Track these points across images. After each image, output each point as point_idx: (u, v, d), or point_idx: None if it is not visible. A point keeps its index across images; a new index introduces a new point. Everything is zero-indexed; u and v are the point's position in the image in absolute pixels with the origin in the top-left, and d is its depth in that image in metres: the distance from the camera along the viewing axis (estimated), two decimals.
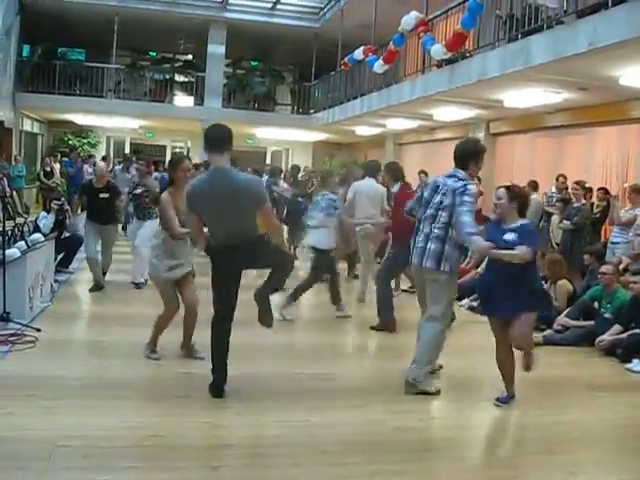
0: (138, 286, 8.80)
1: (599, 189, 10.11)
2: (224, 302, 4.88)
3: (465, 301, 9.01)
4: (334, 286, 8.06)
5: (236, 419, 4.49)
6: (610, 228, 9.41)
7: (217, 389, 4.84)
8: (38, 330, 6.21)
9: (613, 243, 8.98)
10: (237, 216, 4.73)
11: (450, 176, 5.25)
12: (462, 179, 5.14)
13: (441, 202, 5.13)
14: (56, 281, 8.63)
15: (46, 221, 8.91)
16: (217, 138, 4.81)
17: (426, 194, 5.35)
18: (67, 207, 9.47)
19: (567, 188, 10.87)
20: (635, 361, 6.34)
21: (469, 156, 5.30)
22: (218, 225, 4.83)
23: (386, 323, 7.45)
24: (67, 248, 9.48)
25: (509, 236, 4.88)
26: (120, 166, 15.73)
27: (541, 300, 5.20)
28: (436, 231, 5.15)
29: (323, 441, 4.17)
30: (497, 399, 5.11)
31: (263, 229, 5.00)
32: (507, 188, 5.11)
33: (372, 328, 7.49)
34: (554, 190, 11.30)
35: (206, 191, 4.75)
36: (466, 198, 4.99)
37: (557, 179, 11.39)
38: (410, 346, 6.49)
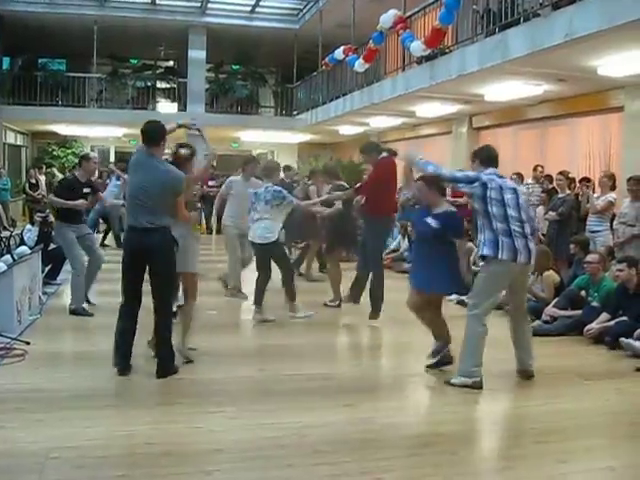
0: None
1: (582, 179, 10.16)
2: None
3: (454, 295, 9.03)
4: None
5: (228, 423, 4.49)
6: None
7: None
8: (27, 343, 6.18)
9: (592, 232, 9.05)
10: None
11: (502, 177, 5.58)
12: None
13: (518, 203, 5.40)
14: (44, 293, 8.59)
15: (30, 234, 8.88)
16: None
17: (509, 196, 5.36)
18: (52, 219, 9.41)
19: (546, 177, 10.97)
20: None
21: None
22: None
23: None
24: (54, 260, 9.44)
25: (431, 220, 5.62)
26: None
27: (456, 283, 5.77)
28: (528, 230, 5.41)
29: (315, 441, 4.18)
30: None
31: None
32: (421, 178, 5.79)
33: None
34: (531, 181, 11.38)
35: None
36: None
37: (535, 169, 11.48)
38: (398, 342, 6.56)
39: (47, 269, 9.27)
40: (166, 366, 5.27)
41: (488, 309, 5.41)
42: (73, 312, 7.70)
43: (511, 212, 5.30)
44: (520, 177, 11.40)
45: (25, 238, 8.78)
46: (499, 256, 5.23)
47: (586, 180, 9.99)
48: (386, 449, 4.10)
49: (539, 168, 11.44)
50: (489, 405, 5.12)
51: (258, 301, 7.64)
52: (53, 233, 9.27)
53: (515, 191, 5.44)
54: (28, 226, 9.53)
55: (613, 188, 9.14)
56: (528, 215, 5.59)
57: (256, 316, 7.57)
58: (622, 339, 6.41)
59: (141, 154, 5.41)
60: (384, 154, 7.65)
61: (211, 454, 3.98)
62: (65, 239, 7.79)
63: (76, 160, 22.33)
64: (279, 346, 6.67)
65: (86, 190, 7.92)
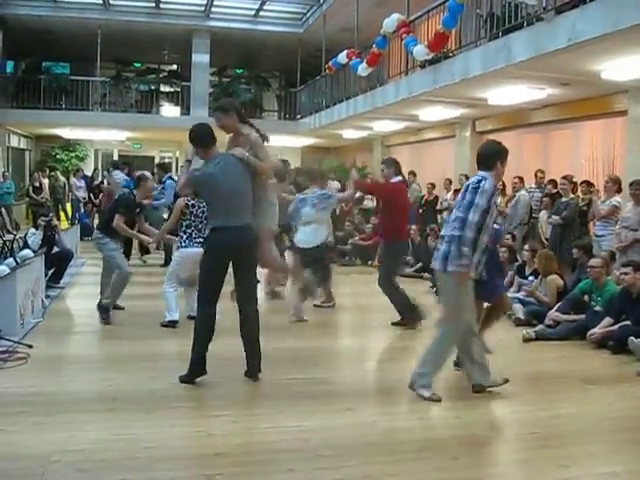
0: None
1: (582, 182, 10.14)
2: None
3: None
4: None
5: (229, 427, 4.48)
6: (594, 221, 9.53)
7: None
8: (30, 346, 6.18)
9: (598, 236, 9.07)
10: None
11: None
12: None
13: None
14: (47, 297, 8.60)
15: (34, 238, 8.90)
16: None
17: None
18: (55, 223, 9.43)
19: (550, 181, 10.94)
20: None
21: (496, 156, 5.32)
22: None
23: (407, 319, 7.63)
24: (57, 263, 9.45)
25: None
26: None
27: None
28: (449, 232, 5.01)
29: (317, 445, 4.17)
30: None
31: None
32: None
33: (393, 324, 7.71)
34: (533, 185, 11.36)
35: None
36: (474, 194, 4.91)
37: (535, 175, 11.46)
38: (399, 348, 6.52)
39: (50, 272, 9.29)
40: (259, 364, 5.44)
41: None
42: (101, 306, 7.54)
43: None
44: (521, 181, 11.38)
45: (29, 242, 8.81)
46: None
47: (587, 184, 9.98)
48: (388, 454, 4.08)
49: (539, 174, 11.42)
50: (491, 409, 5.10)
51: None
52: (56, 237, 9.25)
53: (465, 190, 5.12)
54: (32, 230, 9.56)
55: (619, 191, 9.11)
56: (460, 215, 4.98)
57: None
58: (632, 338, 6.36)
59: (221, 155, 5.63)
60: (399, 177, 7.86)
61: (211, 458, 3.96)
62: (111, 248, 7.64)
63: (80, 163, 22.63)
64: (280, 350, 6.65)
65: (137, 210, 7.86)
